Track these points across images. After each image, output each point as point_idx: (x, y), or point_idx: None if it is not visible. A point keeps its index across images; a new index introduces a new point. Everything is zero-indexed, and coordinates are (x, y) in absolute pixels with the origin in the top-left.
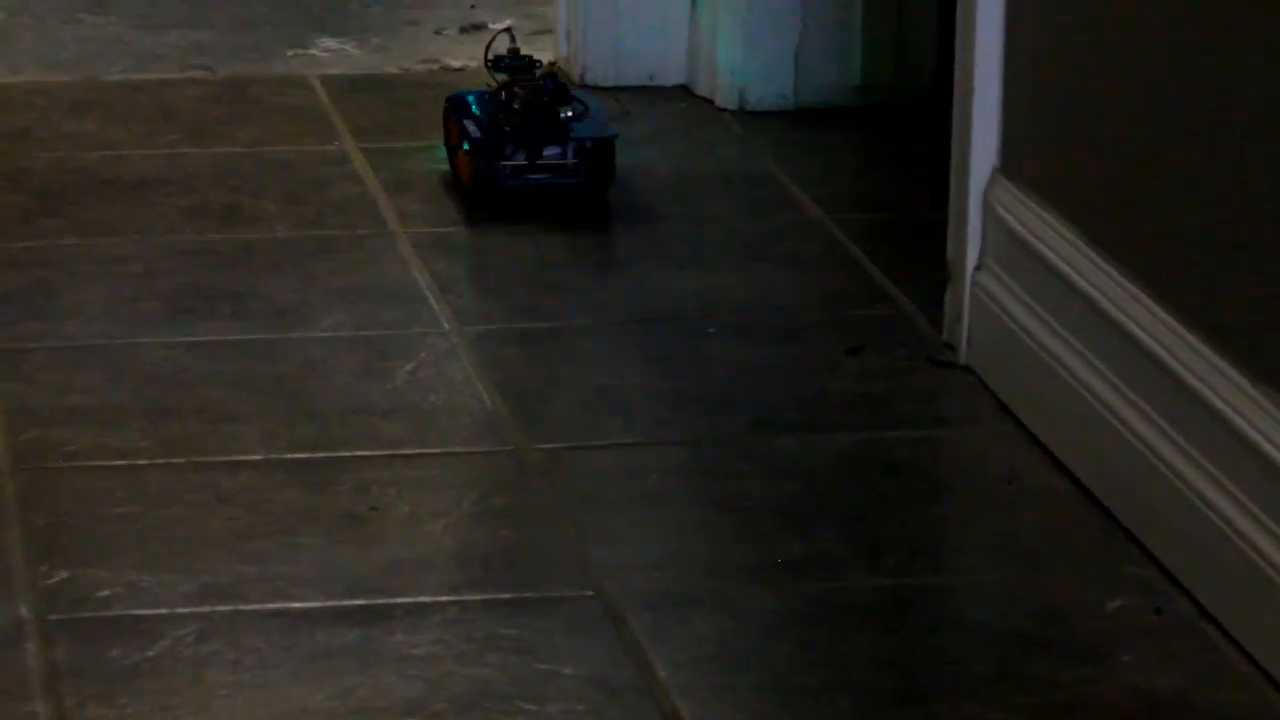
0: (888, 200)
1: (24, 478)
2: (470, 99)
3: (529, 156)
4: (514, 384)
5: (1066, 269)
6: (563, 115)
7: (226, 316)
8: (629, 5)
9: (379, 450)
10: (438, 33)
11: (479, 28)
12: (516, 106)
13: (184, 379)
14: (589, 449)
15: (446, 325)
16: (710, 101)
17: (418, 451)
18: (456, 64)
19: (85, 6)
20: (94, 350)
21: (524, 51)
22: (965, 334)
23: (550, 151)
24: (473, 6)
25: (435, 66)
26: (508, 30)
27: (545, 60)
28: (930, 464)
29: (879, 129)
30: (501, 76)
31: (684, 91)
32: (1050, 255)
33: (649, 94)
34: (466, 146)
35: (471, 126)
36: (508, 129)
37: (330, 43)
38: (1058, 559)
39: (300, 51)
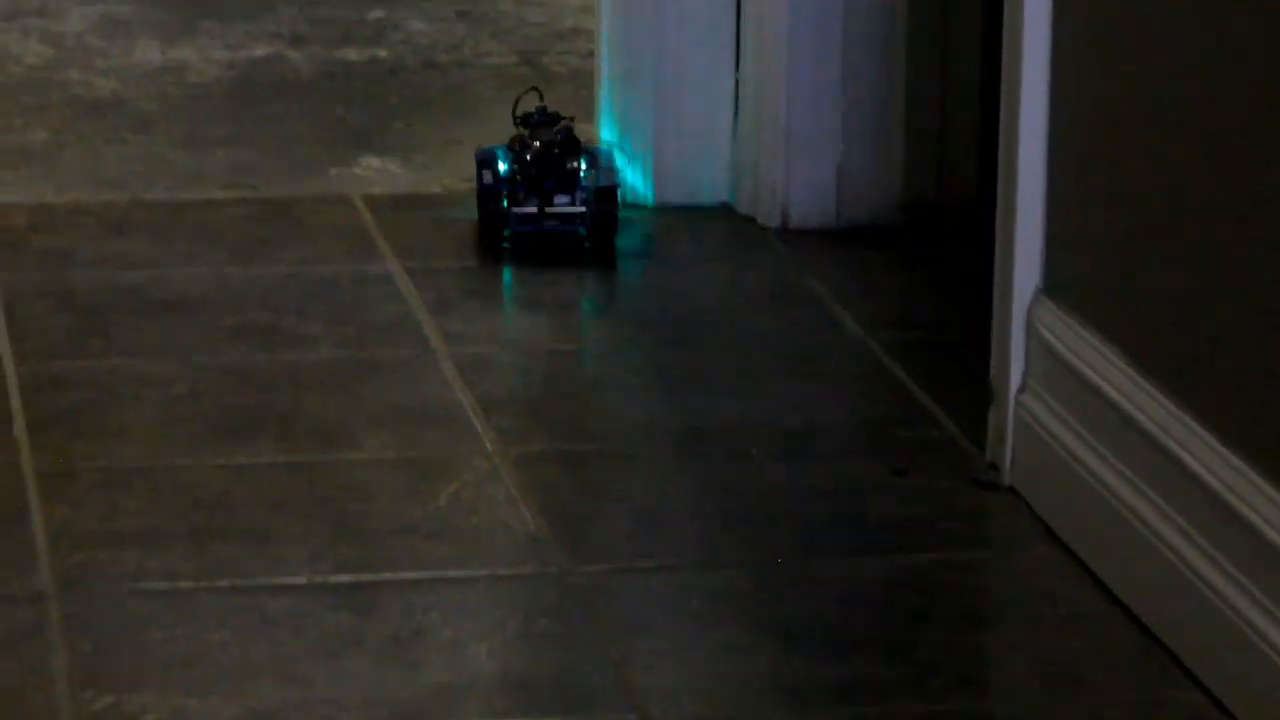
0: (931, 319)
1: (69, 601)
2: (499, 151)
3: (540, 204)
4: (557, 506)
5: (1110, 391)
6: (570, 165)
7: (270, 438)
8: (671, 124)
9: (423, 573)
10: None
11: None
12: (529, 157)
13: (228, 501)
14: (633, 571)
15: (490, 446)
16: (753, 220)
17: (461, 574)
18: None
19: (129, 126)
20: (138, 473)
21: (551, 110)
22: (1009, 455)
23: (560, 200)
24: (515, 122)
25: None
26: (535, 89)
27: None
28: (975, 587)
29: (922, 247)
30: (525, 130)
31: (726, 210)
32: (1093, 377)
33: (691, 213)
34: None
35: (488, 175)
36: (519, 177)
37: (373, 161)
38: (1102, 684)
39: (343, 170)
